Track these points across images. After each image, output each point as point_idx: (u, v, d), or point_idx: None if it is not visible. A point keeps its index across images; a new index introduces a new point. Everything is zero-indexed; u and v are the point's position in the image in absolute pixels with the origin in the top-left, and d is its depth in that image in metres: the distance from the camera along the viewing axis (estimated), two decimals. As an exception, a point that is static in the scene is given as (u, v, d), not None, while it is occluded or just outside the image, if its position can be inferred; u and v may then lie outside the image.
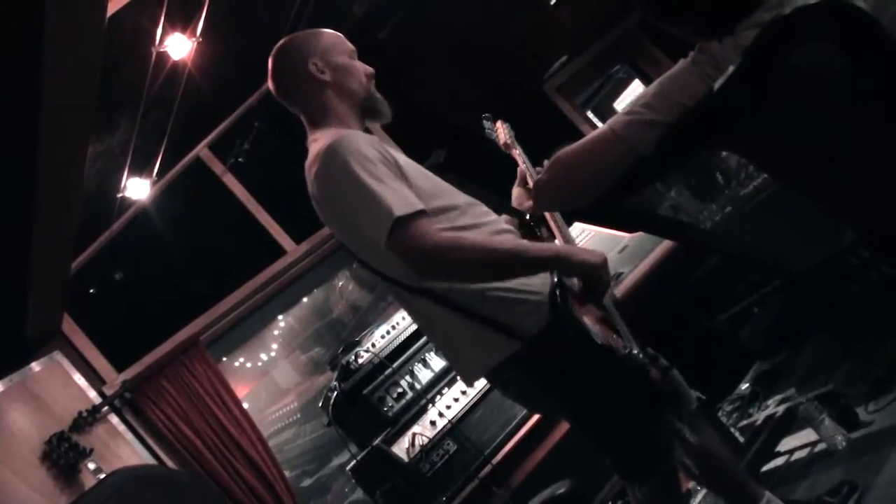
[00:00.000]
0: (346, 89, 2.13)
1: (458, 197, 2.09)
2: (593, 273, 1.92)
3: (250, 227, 4.01)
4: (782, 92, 1.50)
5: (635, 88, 5.85)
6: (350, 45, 2.18)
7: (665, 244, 2.86)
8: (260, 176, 4.06)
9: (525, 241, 1.99)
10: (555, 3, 3.95)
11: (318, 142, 2.10)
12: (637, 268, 2.71)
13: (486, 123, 2.58)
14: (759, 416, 2.83)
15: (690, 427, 2.04)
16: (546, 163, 1.79)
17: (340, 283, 5.24)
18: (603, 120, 5.14)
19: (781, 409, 2.73)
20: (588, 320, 1.94)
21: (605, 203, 1.79)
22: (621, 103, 5.81)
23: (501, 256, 1.88)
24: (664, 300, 2.89)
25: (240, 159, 4.00)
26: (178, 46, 2.80)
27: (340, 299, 5.40)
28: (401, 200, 1.88)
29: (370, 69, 2.17)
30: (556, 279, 1.97)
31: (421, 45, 4.07)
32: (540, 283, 1.99)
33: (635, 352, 1.94)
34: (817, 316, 3.00)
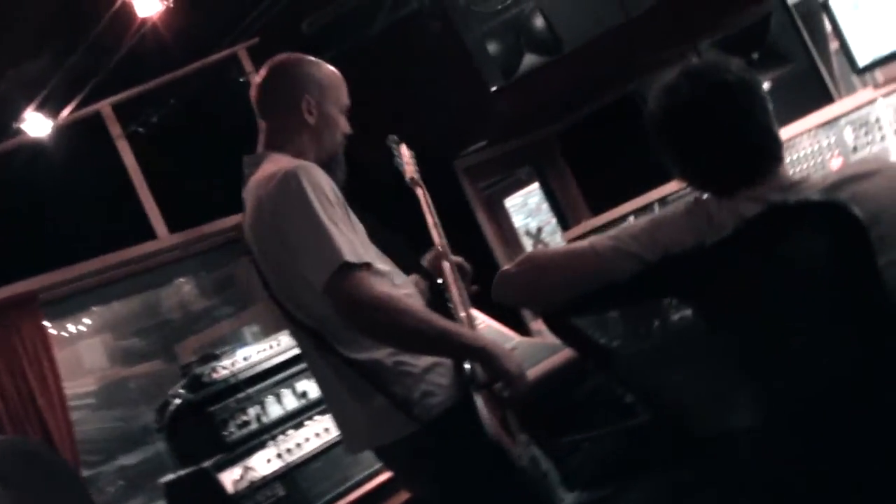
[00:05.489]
0: (322, 140, 2.10)
1: (383, 265, 2.06)
2: (511, 382, 1.94)
3: (128, 201, 3.79)
4: (762, 271, 1.57)
5: (530, 191, 6.03)
6: (347, 100, 2.17)
7: (558, 358, 2.91)
8: (155, 154, 3.86)
9: (456, 325, 1.99)
10: (496, 90, 4.02)
11: (275, 162, 2.03)
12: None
13: (393, 146, 2.44)
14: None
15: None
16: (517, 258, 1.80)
17: (185, 287, 5.03)
18: (490, 210, 5.25)
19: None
20: (489, 417, 1.95)
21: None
22: (512, 201, 5.97)
23: (436, 333, 1.88)
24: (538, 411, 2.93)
25: (140, 130, 3.80)
26: (148, 4, 2.64)
27: (176, 302, 5.16)
28: (350, 247, 1.86)
29: (349, 130, 2.15)
30: (469, 370, 1.97)
31: (357, 77, 4.05)
32: (449, 367, 1.99)
33: (525, 462, 1.95)
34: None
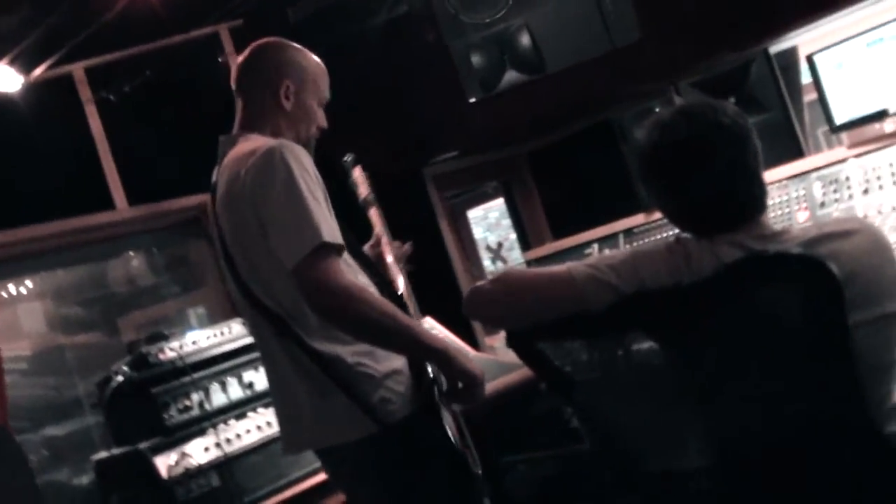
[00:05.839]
0: (297, 128, 2.10)
1: (351, 260, 2.08)
2: (470, 382, 1.95)
3: (90, 169, 3.70)
4: (735, 317, 1.58)
5: (493, 206, 6.04)
6: (326, 93, 2.18)
7: (511, 377, 2.91)
8: (123, 124, 3.78)
9: (418, 323, 1.98)
10: (474, 102, 4.01)
11: (253, 141, 2.06)
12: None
13: (347, 166, 2.46)
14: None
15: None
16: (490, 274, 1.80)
17: (134, 262, 4.93)
18: (452, 219, 5.24)
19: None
20: (452, 427, 1.95)
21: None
22: (474, 213, 5.97)
23: (399, 327, 1.87)
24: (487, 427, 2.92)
25: (111, 97, 3.72)
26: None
27: (124, 276, 5.06)
28: (329, 228, 1.85)
29: (325, 124, 2.16)
30: (432, 375, 1.97)
31: (337, 71, 4.03)
32: (407, 377, 1.99)
33: (479, 472, 1.96)
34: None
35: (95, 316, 5.16)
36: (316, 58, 2.17)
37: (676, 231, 2.96)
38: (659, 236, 3.32)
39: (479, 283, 1.77)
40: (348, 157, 2.46)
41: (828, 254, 1.48)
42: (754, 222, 1.65)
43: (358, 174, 2.43)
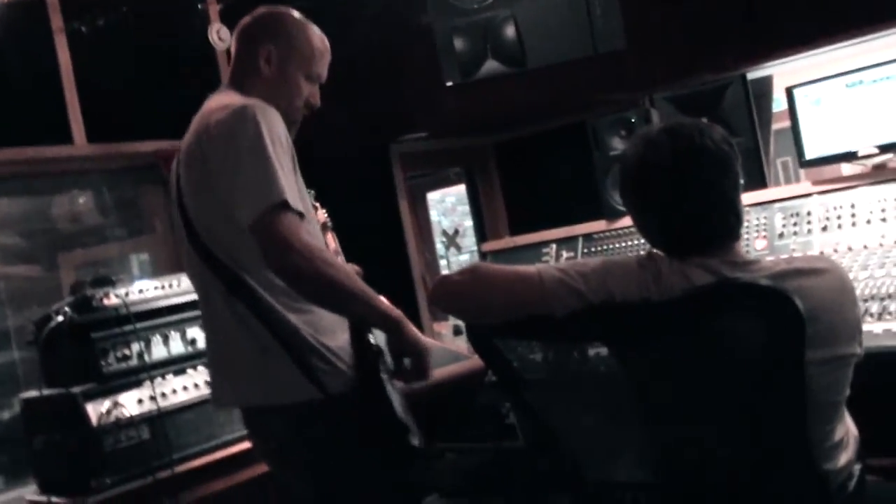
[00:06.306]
0: (277, 96, 2.06)
1: (317, 229, 2.07)
2: (420, 355, 1.96)
3: (51, 99, 3.59)
4: (698, 339, 1.60)
5: (451, 191, 6.03)
6: (318, 70, 2.14)
7: (457, 367, 2.92)
8: (92, 59, 3.67)
9: (374, 292, 1.98)
10: (451, 86, 3.99)
11: (230, 97, 2.03)
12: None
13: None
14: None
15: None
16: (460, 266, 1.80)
17: (81, 199, 4.82)
18: (411, 200, 5.23)
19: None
20: (398, 401, 1.95)
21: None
22: (432, 196, 5.95)
23: (354, 290, 1.85)
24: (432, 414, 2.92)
25: (83, 29, 3.60)
26: None
27: (69, 212, 4.94)
28: (292, 192, 1.83)
29: (316, 101, 2.15)
30: (378, 348, 1.98)
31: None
32: (350, 351, 1.99)
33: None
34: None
35: (36, 249, 5.03)
36: (318, 35, 2.15)
37: (637, 242, 3.00)
38: (619, 245, 3.35)
39: (448, 272, 1.77)
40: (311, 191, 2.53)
41: (795, 289, 1.50)
42: (727, 248, 1.67)
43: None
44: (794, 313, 1.46)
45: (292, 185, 1.85)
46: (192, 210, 1.99)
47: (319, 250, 1.82)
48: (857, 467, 1.74)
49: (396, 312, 1.93)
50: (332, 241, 2.42)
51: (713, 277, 1.60)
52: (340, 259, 2.32)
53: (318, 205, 2.48)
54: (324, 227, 2.45)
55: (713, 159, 1.66)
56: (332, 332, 1.95)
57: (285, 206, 1.79)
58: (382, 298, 1.97)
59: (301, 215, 1.84)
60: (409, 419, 2.00)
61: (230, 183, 1.85)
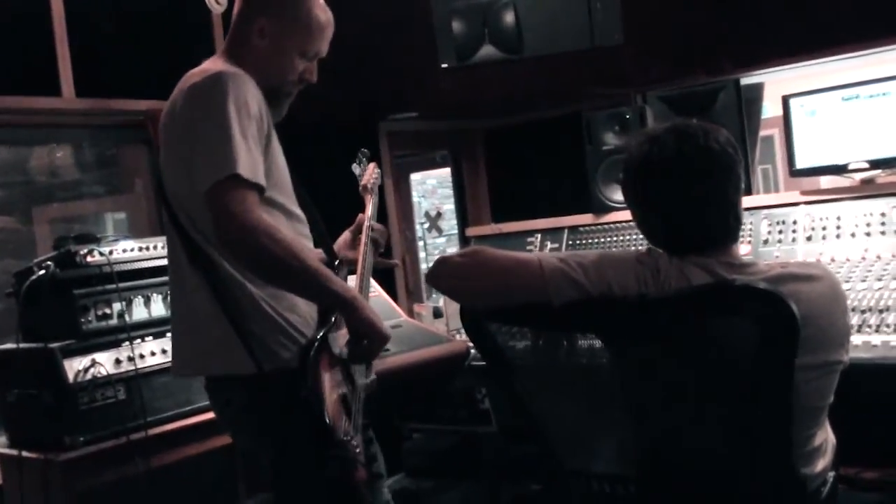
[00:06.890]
0: (267, 69, 2.05)
1: (296, 209, 2.06)
2: (373, 339, 1.96)
3: (42, 51, 3.53)
4: (691, 337, 1.62)
5: (434, 174, 6.04)
6: (315, 47, 2.09)
7: (438, 349, 2.92)
8: (86, 11, 3.61)
9: (330, 271, 1.94)
10: (445, 68, 3.98)
11: (214, 63, 2.02)
12: (404, 354, 2.74)
13: (361, 157, 2.57)
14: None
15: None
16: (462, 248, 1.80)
17: (59, 153, 4.76)
18: (395, 179, 5.22)
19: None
20: (328, 387, 1.94)
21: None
22: (415, 177, 5.95)
23: (303, 267, 1.84)
24: (407, 394, 2.94)
25: (79, -19, 3.55)
26: None
27: (47, 165, 4.88)
28: (249, 164, 1.81)
29: (313, 78, 2.13)
30: (321, 334, 1.97)
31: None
32: (308, 328, 1.99)
33: (354, 443, 1.95)
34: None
35: (11, 200, 4.96)
36: (321, 11, 2.10)
37: (624, 237, 3.02)
38: (605, 240, 3.37)
39: (448, 254, 1.77)
40: (364, 152, 2.57)
41: (790, 293, 1.52)
42: (725, 249, 1.69)
43: (371, 167, 2.55)
44: (789, 317, 1.49)
45: (255, 158, 1.83)
46: (165, 174, 2.00)
47: (266, 226, 1.79)
48: (831, 474, 1.79)
49: (351, 293, 1.92)
50: (369, 204, 2.43)
51: (710, 277, 1.62)
52: (360, 233, 2.37)
53: (371, 165, 2.57)
54: (364, 189, 2.48)
55: (717, 161, 1.68)
56: (293, 305, 1.95)
57: (237, 178, 1.78)
58: (338, 279, 1.97)
59: (260, 189, 1.83)
60: (355, 409, 1.99)
61: (191, 150, 1.85)
